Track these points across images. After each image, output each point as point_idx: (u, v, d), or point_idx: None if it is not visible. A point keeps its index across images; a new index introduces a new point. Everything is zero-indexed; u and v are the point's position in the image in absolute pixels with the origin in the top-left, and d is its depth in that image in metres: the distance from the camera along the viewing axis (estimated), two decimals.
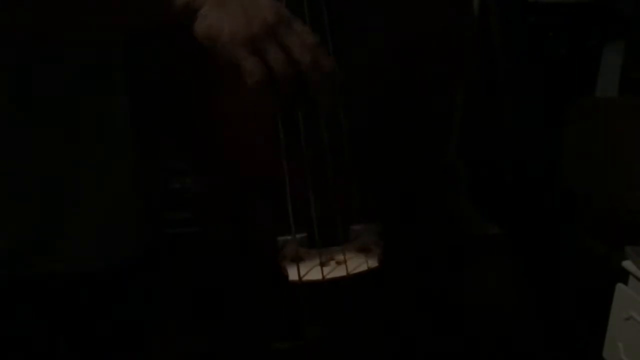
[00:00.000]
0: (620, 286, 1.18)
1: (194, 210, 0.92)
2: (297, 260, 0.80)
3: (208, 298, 0.87)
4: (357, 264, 0.79)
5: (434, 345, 0.87)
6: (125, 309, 0.89)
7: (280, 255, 0.81)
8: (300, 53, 0.69)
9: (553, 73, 1.75)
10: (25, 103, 0.77)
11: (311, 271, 0.79)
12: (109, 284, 0.87)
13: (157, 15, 0.72)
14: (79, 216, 0.82)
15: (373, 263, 0.79)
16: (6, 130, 0.77)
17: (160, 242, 0.93)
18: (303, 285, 0.78)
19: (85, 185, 0.82)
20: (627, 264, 1.17)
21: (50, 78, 0.78)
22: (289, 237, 0.81)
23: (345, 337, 0.82)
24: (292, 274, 0.78)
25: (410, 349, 0.86)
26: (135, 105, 0.86)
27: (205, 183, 0.91)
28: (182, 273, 0.90)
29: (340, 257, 0.80)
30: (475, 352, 0.91)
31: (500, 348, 0.93)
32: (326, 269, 0.79)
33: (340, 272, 0.78)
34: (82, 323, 0.89)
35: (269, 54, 0.68)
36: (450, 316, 0.89)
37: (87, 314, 0.88)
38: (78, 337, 0.89)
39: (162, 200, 0.95)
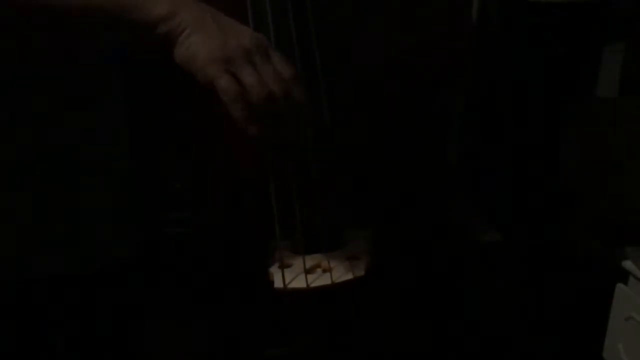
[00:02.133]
0: (620, 286, 1.18)
1: (190, 210, 0.92)
2: (283, 266, 0.79)
3: (205, 299, 0.87)
4: (343, 272, 0.78)
5: (432, 347, 0.87)
6: (124, 309, 0.89)
7: (268, 260, 0.80)
8: (272, 81, 0.70)
9: (553, 73, 1.74)
10: (25, 105, 0.78)
11: (296, 279, 0.78)
12: (108, 284, 0.87)
13: (140, 40, 0.73)
14: (78, 216, 0.82)
15: (359, 272, 0.78)
16: (6, 131, 0.77)
17: (160, 242, 0.93)
18: (288, 293, 0.77)
19: (84, 186, 0.82)
20: (627, 264, 1.17)
21: (51, 77, 0.78)
22: (280, 242, 0.80)
23: (339, 345, 0.81)
24: (277, 281, 0.78)
25: (408, 355, 0.86)
26: (135, 106, 0.87)
27: (199, 183, 0.90)
28: (180, 273, 0.90)
29: (326, 265, 0.79)
30: (475, 353, 0.91)
31: (500, 348, 0.93)
32: (311, 277, 0.78)
33: (324, 280, 0.77)
34: (81, 323, 0.89)
35: (242, 76, 0.70)
36: (449, 316, 0.89)
37: (87, 314, 0.88)
38: (77, 337, 0.90)
39: (162, 200, 0.95)
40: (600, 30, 1.74)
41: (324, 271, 0.79)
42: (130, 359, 0.92)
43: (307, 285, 0.77)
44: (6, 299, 0.81)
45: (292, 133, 0.74)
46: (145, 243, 0.90)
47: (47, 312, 0.85)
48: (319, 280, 0.78)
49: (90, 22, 0.72)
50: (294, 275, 0.78)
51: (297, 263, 0.79)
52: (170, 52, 0.72)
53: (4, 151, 0.78)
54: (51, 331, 0.87)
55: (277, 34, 0.80)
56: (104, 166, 0.84)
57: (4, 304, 0.81)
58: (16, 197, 0.79)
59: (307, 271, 0.78)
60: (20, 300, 0.82)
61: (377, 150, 0.85)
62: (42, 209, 0.80)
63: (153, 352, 0.89)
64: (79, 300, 0.86)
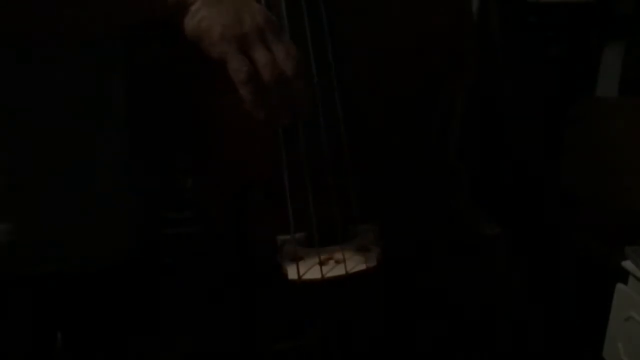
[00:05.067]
0: (620, 286, 1.18)
1: (194, 209, 0.92)
2: (297, 259, 0.80)
3: (208, 298, 0.87)
4: (356, 263, 0.79)
5: (433, 345, 0.87)
6: (124, 309, 0.89)
7: (280, 254, 0.81)
8: (284, 60, 0.70)
9: (553, 73, 1.75)
10: (25, 103, 0.78)
11: (310, 270, 0.79)
12: (108, 283, 0.87)
13: (149, 9, 0.72)
14: (78, 215, 0.82)
15: (371, 262, 0.79)
16: (6, 129, 0.77)
17: (160, 242, 0.93)
18: (302, 284, 0.78)
19: (85, 185, 0.82)
20: (627, 264, 1.16)
21: (51, 77, 0.78)
22: (288, 237, 0.81)
23: (346, 338, 0.82)
24: (292, 273, 0.78)
25: (411, 350, 0.86)
26: (136, 106, 0.86)
27: (205, 183, 0.91)
28: (182, 273, 0.90)
29: (339, 256, 0.80)
30: (475, 352, 0.91)
31: (500, 348, 0.93)
32: (325, 268, 0.79)
33: (339, 271, 0.78)
34: (81, 323, 0.89)
35: (256, 55, 0.69)
36: (450, 316, 0.89)
37: (87, 314, 0.88)
38: (77, 337, 0.89)
39: (162, 200, 0.95)
40: (600, 30, 1.74)
41: (337, 262, 0.79)
42: (132, 359, 0.92)
43: (322, 276, 0.78)
44: (5, 296, 0.81)
45: (302, 112, 0.73)
46: (146, 243, 0.90)
47: (47, 311, 0.85)
48: (333, 271, 0.78)
49: None
50: (308, 267, 0.79)
51: (310, 255, 0.80)
52: (179, 22, 0.71)
53: (4, 150, 0.78)
54: (50, 330, 0.87)
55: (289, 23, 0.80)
56: (104, 166, 0.84)
57: (3, 301, 0.81)
58: (16, 196, 0.79)
59: (321, 263, 0.79)
60: (19, 299, 0.82)
61: (378, 147, 0.86)
62: (42, 208, 0.80)
63: (154, 353, 0.89)
64: (78, 300, 0.86)
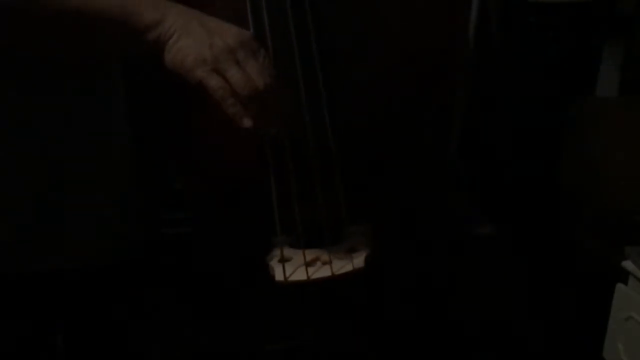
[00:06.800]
0: (620, 286, 1.18)
1: (188, 210, 0.92)
2: (284, 260, 0.80)
3: (204, 298, 0.87)
4: (343, 264, 0.79)
5: (431, 346, 0.87)
6: (123, 308, 0.89)
7: (269, 255, 0.81)
8: (257, 76, 0.73)
9: (553, 73, 1.74)
10: (26, 102, 0.78)
11: (296, 271, 0.79)
12: (108, 283, 0.87)
13: (132, 45, 0.76)
14: (79, 215, 0.82)
15: (359, 264, 0.79)
16: (7, 128, 0.78)
17: (160, 242, 0.93)
18: (289, 286, 0.78)
19: (85, 185, 0.82)
20: (627, 264, 1.16)
21: (51, 79, 0.78)
22: (278, 238, 0.81)
23: (339, 339, 0.82)
24: (278, 274, 0.79)
25: (407, 350, 0.86)
26: (134, 107, 0.87)
27: (197, 184, 0.91)
28: (180, 273, 0.90)
29: (326, 258, 0.80)
30: (474, 353, 0.91)
31: (499, 348, 0.93)
32: (311, 269, 0.79)
33: (325, 272, 0.79)
34: (80, 322, 0.89)
35: (228, 74, 0.72)
36: (449, 316, 0.89)
37: (86, 313, 0.88)
38: (76, 336, 0.90)
39: (162, 200, 0.95)
40: (600, 30, 1.74)
41: (324, 264, 0.80)
42: (130, 359, 0.92)
43: (308, 277, 0.78)
44: (6, 294, 0.81)
45: (282, 122, 0.76)
46: (145, 243, 0.90)
47: (46, 310, 0.85)
48: (319, 272, 0.79)
49: (85, 32, 0.74)
50: (294, 268, 0.79)
51: (297, 257, 0.80)
52: (161, 57, 0.74)
53: (4, 149, 0.78)
54: (49, 328, 0.87)
55: (274, 34, 0.81)
56: (104, 166, 0.85)
57: (3, 299, 0.81)
58: (16, 195, 0.79)
59: (307, 264, 0.79)
60: (17, 298, 0.82)
61: (377, 145, 0.86)
62: (43, 208, 0.81)
63: (153, 351, 0.89)
64: (77, 299, 0.86)
